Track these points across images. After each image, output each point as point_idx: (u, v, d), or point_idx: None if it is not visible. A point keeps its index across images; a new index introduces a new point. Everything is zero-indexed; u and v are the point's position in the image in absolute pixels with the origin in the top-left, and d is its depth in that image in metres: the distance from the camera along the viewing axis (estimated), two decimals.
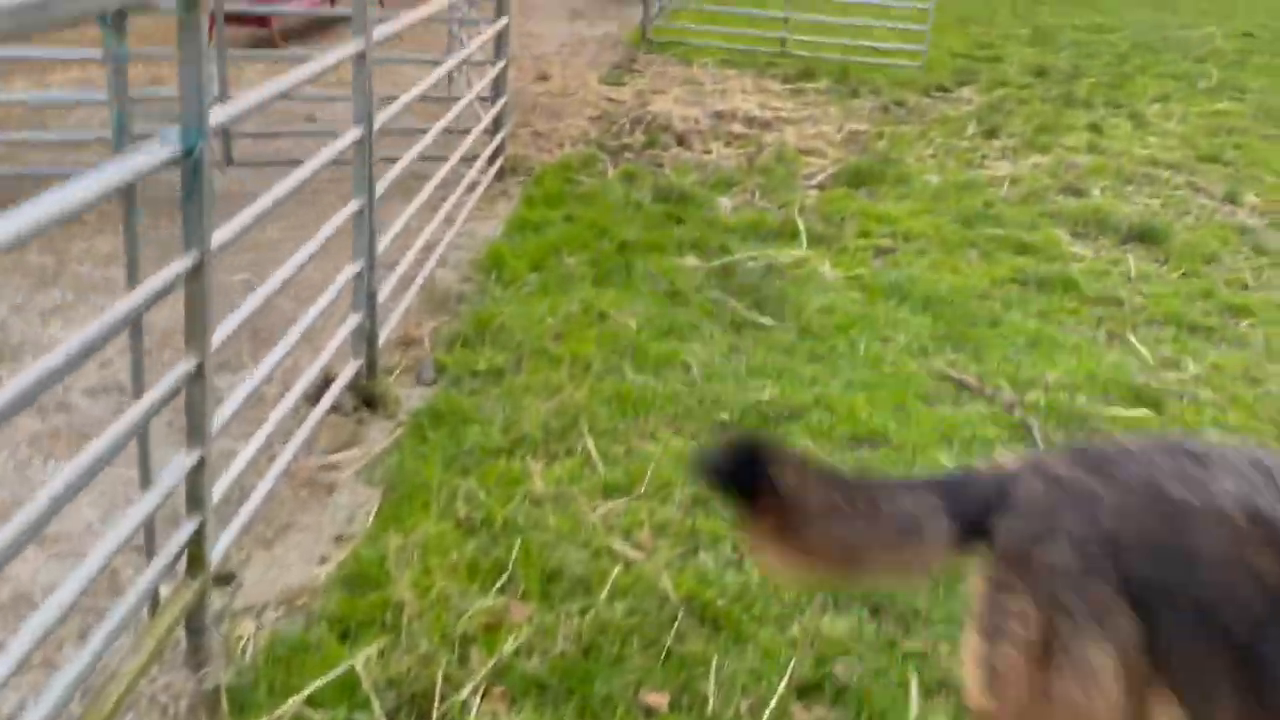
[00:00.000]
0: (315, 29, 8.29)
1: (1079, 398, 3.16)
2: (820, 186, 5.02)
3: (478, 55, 4.93)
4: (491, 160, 4.78)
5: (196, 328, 1.80)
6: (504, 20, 4.72)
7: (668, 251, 4.10)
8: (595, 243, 4.12)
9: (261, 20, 7.53)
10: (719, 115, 6.48)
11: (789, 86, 7.41)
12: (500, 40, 4.70)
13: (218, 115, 1.88)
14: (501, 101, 4.74)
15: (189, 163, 1.68)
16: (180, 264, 1.71)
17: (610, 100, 6.68)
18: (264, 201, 2.12)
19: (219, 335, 1.93)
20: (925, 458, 2.75)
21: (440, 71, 4.09)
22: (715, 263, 4.01)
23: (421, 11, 3.62)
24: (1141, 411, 3.12)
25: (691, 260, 4.03)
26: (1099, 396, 3.20)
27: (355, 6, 2.70)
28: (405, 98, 3.29)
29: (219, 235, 1.83)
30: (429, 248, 3.63)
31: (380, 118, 2.86)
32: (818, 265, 4.05)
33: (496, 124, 4.77)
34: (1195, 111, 7.26)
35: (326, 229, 2.59)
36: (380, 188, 2.89)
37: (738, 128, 6.14)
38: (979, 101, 7.32)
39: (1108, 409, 3.12)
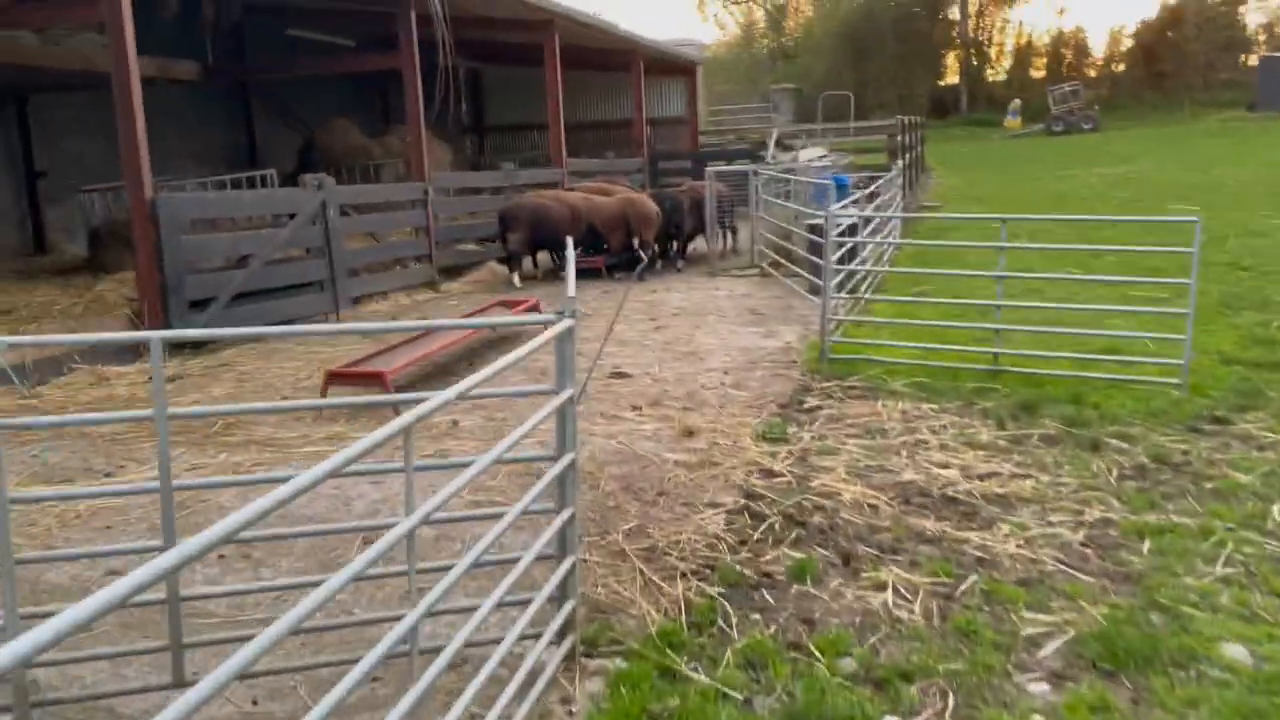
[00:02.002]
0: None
1: None
2: (1053, 678, 3.24)
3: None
4: (559, 635, 3.38)
5: None
6: (566, 459, 3.43)
7: None
8: None
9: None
10: (906, 494, 4.89)
11: (1003, 434, 5.74)
12: (564, 482, 3.40)
13: None
14: (567, 564, 3.39)
15: None
16: None
17: (764, 472, 5.25)
18: None
19: None
20: None
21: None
22: None
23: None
24: None
25: None
26: None
27: None
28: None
29: None
30: None
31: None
32: None
33: (562, 591, 3.40)
34: None
35: None
36: None
37: (930, 524, 4.50)
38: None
39: None
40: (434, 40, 19.39)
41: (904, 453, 5.48)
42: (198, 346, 8.58)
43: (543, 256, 13.81)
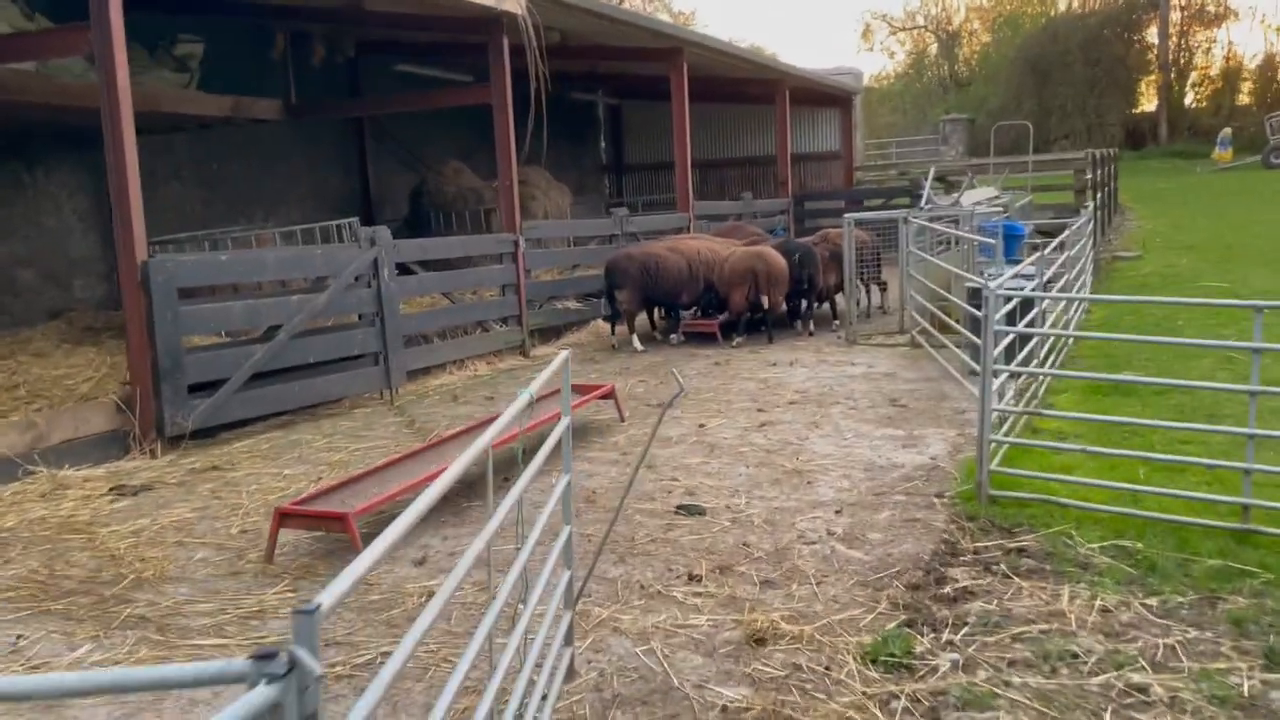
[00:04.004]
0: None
1: None
2: None
3: None
4: None
5: None
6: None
7: None
8: None
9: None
10: None
11: (1267, 675, 3.44)
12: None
13: None
14: None
15: None
16: None
17: None
18: None
19: None
20: None
21: None
22: None
23: None
24: None
25: None
26: None
27: None
28: None
29: None
30: None
31: None
32: None
33: None
34: None
35: None
36: None
37: None
38: None
39: None
40: (559, 74, 18.12)
41: (1107, 713, 3.27)
42: (204, 435, 7.16)
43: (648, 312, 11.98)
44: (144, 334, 6.66)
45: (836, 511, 5.28)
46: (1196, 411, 6.95)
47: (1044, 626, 3.88)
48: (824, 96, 21.46)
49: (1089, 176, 16.51)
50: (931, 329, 9.59)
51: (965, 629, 3.93)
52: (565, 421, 3.59)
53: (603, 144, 24.66)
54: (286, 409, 7.70)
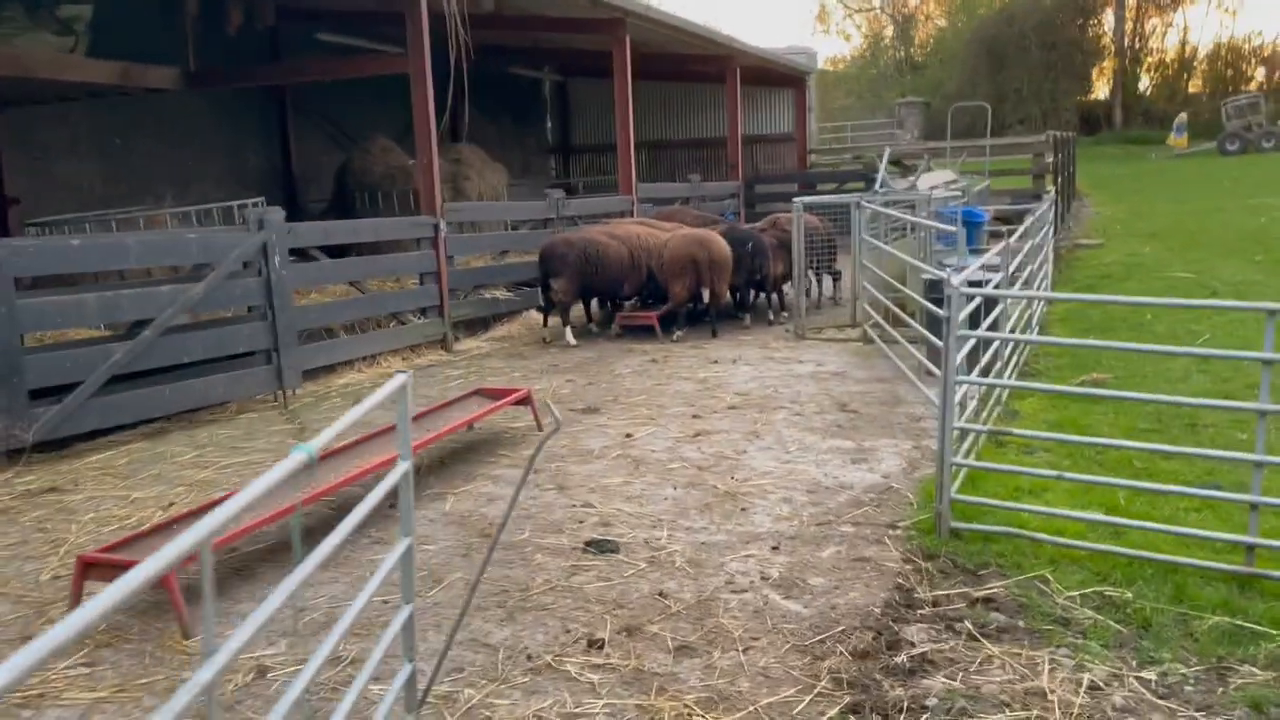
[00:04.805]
0: None
1: None
2: None
3: None
4: None
5: None
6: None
7: None
8: None
9: None
10: None
11: None
12: None
13: None
14: None
15: None
16: None
17: None
18: None
19: None
20: None
21: None
22: None
23: None
24: None
25: None
26: None
27: None
28: None
29: None
30: None
31: None
32: None
33: None
34: None
35: None
36: None
37: None
38: None
39: None
40: (497, 47, 17.10)
41: None
42: (56, 446, 6.19)
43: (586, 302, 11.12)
44: None
45: (773, 548, 4.48)
46: (1176, 419, 6.27)
47: (1021, 714, 3.11)
48: (777, 76, 20.66)
49: (1049, 160, 15.88)
50: (885, 323, 8.84)
51: (937, 681, 3.16)
52: (404, 467, 2.74)
53: (548, 123, 23.66)
54: (157, 415, 6.74)
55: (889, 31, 53.56)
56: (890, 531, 4.65)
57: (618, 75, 13.50)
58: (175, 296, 6.76)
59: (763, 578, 4.16)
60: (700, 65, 18.47)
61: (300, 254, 8.38)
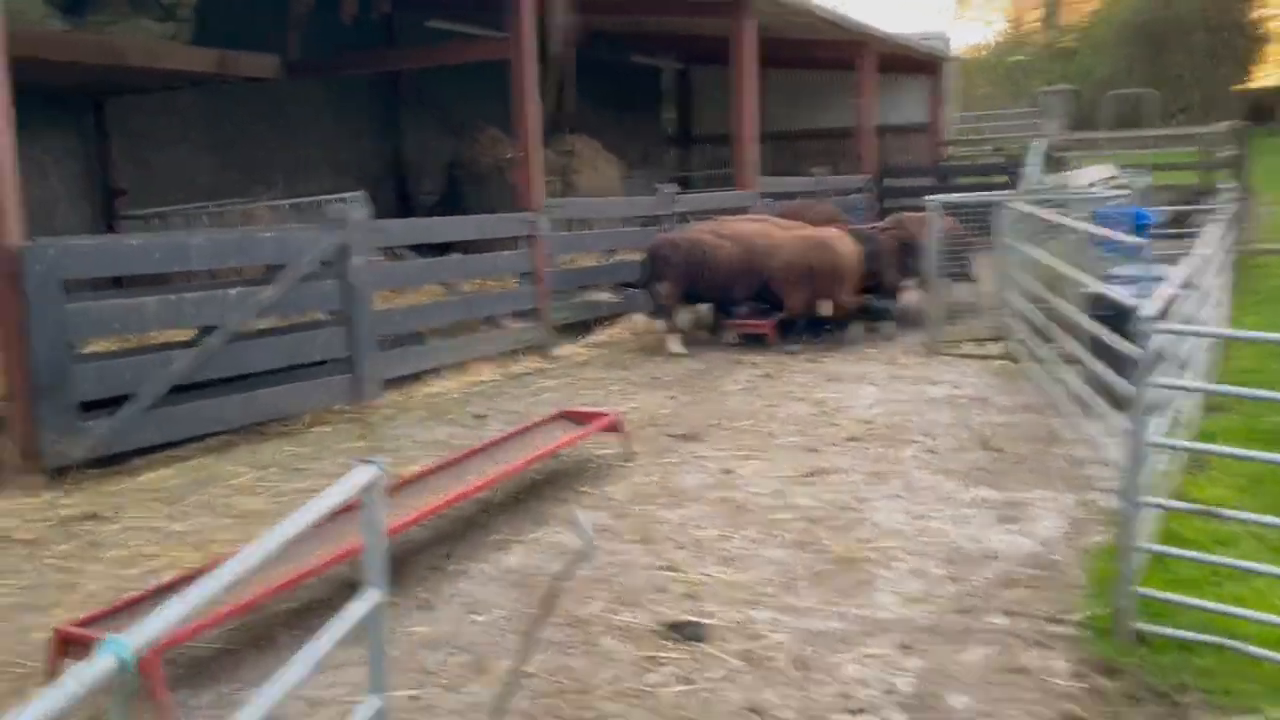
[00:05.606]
0: None
1: None
2: None
3: None
4: None
5: None
6: None
7: None
8: None
9: None
10: None
11: None
12: None
13: None
14: None
15: None
16: None
17: None
18: None
19: None
20: None
21: None
22: None
23: None
24: None
25: None
26: None
27: None
28: None
29: None
30: None
31: None
32: None
33: None
34: None
35: None
36: None
37: None
38: None
39: None
40: (612, 33, 16.35)
41: None
42: (113, 462, 5.74)
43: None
44: (18, 339, 5.23)
45: (903, 646, 3.56)
46: None
47: None
48: (911, 63, 19.30)
49: (1225, 154, 14.18)
50: (1032, 339, 7.70)
51: None
52: (375, 598, 1.97)
53: (668, 113, 22.85)
54: (220, 429, 6.24)
55: (1033, 15, 50.66)
56: (1054, 627, 3.66)
57: (739, 62, 12.59)
58: (244, 300, 6.23)
59: (888, 692, 3.26)
60: (829, 51, 17.34)
61: (389, 253, 7.81)
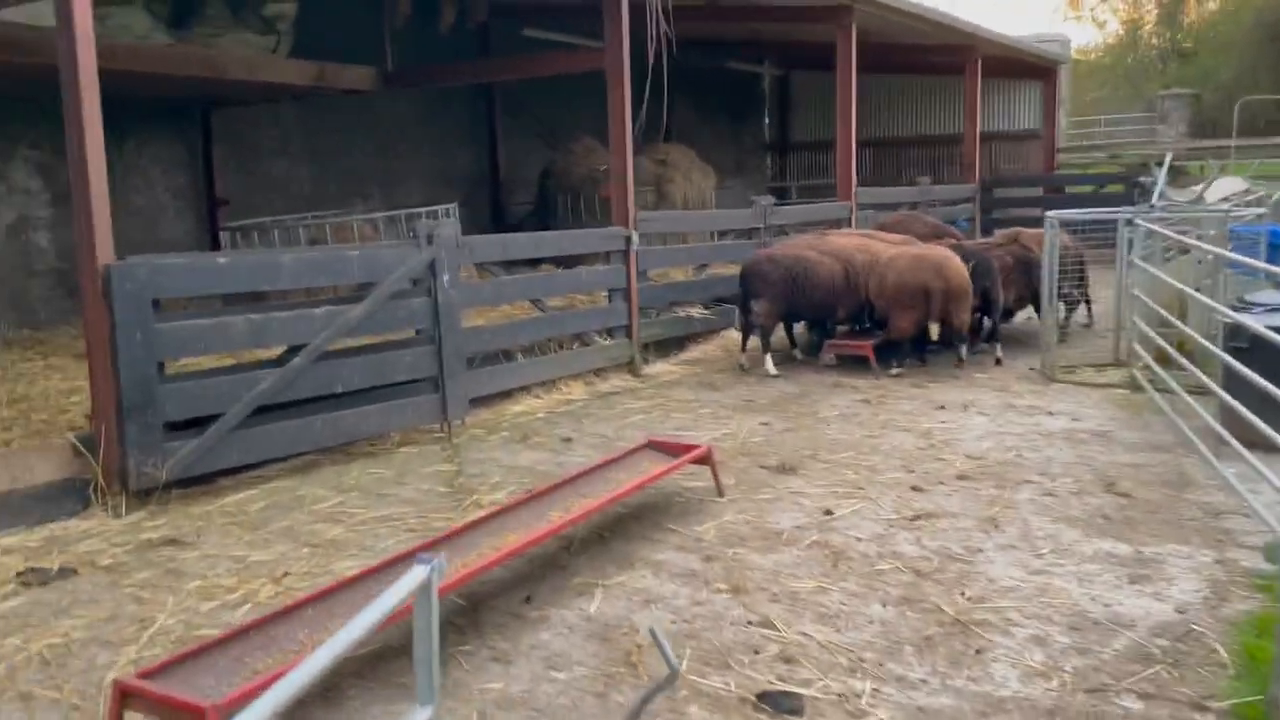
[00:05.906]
0: None
1: None
2: None
3: None
4: None
5: None
6: None
7: None
8: None
9: None
10: None
11: None
12: None
13: None
14: None
15: None
16: None
17: None
18: None
19: None
20: None
21: None
22: None
23: None
24: None
25: None
26: None
27: None
28: None
29: None
30: None
31: None
32: None
33: None
34: None
35: None
36: None
37: None
38: None
39: None
40: (710, 40, 16.05)
41: None
42: (199, 482, 5.70)
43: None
44: (107, 358, 5.21)
45: None
46: None
47: None
48: (1022, 67, 18.51)
49: None
50: (1157, 366, 7.13)
51: None
52: (423, 716, 1.72)
53: (766, 120, 22.44)
54: (305, 450, 6.16)
55: (1151, 15, 48.46)
56: (1197, 716, 3.24)
57: (841, 67, 12.18)
58: (332, 319, 6.15)
59: None
60: (935, 55, 16.73)
61: (479, 268, 7.68)
